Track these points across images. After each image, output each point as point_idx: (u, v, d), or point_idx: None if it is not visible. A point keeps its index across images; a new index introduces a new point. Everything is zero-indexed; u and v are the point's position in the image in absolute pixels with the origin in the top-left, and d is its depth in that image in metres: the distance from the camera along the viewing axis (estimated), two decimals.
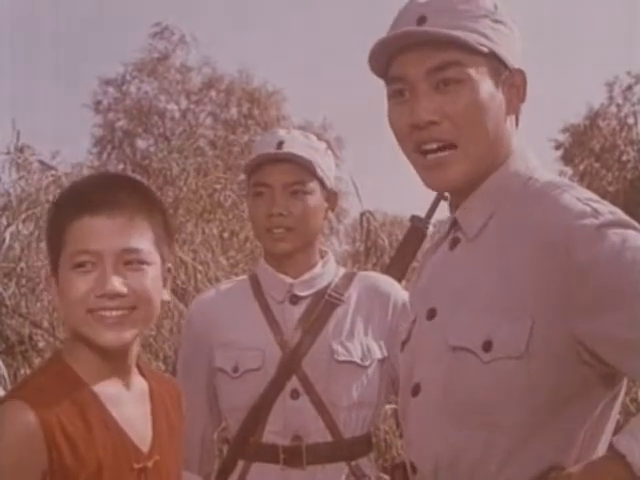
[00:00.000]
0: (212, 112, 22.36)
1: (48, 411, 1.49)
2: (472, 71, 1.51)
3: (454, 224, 1.62)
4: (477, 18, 1.54)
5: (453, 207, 1.63)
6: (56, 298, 1.58)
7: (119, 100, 22.23)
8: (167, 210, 1.67)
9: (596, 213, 1.45)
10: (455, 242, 1.61)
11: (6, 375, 3.68)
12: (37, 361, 4.07)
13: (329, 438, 2.17)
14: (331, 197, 2.28)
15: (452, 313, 1.54)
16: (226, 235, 6.20)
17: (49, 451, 1.48)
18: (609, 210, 1.47)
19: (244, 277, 2.38)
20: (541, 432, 1.48)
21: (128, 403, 1.60)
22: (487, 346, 1.47)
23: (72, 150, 22.67)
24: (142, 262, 1.55)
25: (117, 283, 1.51)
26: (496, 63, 1.54)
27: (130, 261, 1.54)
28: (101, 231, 1.52)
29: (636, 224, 1.47)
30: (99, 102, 22.18)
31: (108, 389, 1.57)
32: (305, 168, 2.20)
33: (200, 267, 4.65)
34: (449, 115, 1.52)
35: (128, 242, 1.53)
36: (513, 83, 1.57)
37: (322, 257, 2.30)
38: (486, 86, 1.53)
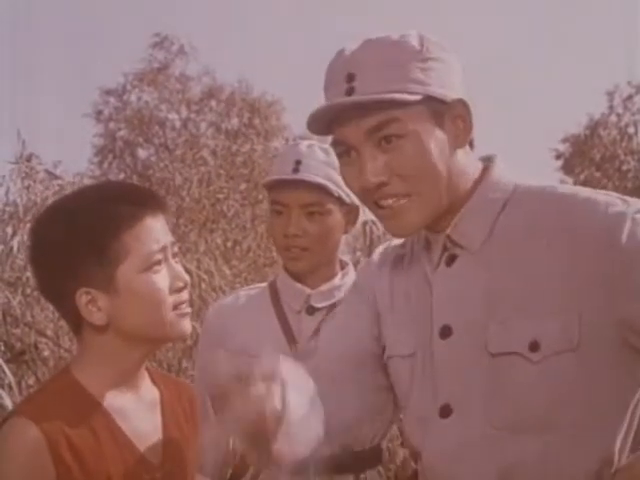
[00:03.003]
0: (213, 122, 22.39)
1: (53, 426, 1.49)
2: (410, 123, 1.50)
3: (445, 244, 1.60)
4: (405, 64, 1.51)
5: (435, 230, 1.61)
6: (98, 314, 1.55)
7: (120, 110, 22.28)
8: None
9: (624, 201, 1.48)
10: (452, 258, 1.60)
11: (13, 383, 3.69)
12: (42, 370, 4.09)
13: (337, 450, 2.12)
14: (352, 211, 2.27)
15: (479, 324, 1.52)
16: (229, 244, 6.23)
17: (56, 466, 1.48)
18: (632, 199, 1.50)
19: (264, 285, 2.39)
20: (596, 426, 1.48)
21: (138, 414, 1.60)
22: (534, 346, 1.46)
23: (73, 160, 22.69)
24: (177, 254, 1.64)
25: (186, 275, 1.61)
26: (434, 104, 1.52)
27: (175, 254, 1.63)
28: (160, 228, 1.59)
29: None
30: (100, 112, 22.23)
31: (117, 401, 1.58)
32: (322, 188, 2.20)
33: (205, 276, 4.67)
34: (397, 172, 1.51)
35: (171, 235, 1.63)
36: (456, 115, 1.55)
37: (342, 268, 2.30)
38: (428, 132, 1.52)
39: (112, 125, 22.42)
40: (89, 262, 1.54)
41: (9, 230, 4.59)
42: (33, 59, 29.68)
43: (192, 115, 22.46)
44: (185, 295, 1.59)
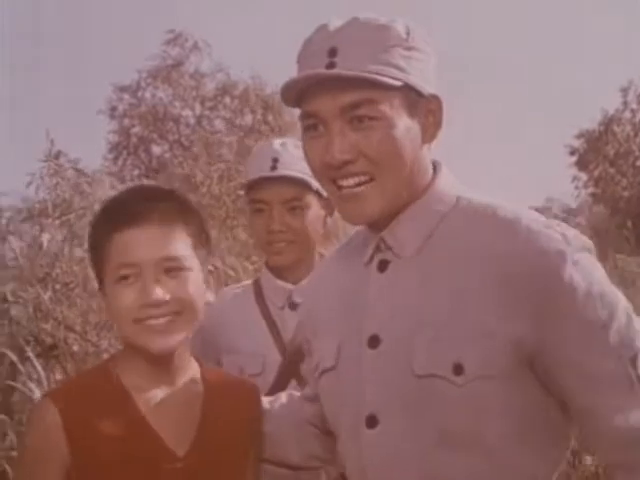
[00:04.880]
0: (227, 118, 22.41)
1: (72, 409, 1.56)
2: (386, 107, 1.49)
3: (379, 246, 1.58)
4: (389, 48, 1.50)
5: (372, 228, 1.59)
6: (107, 310, 1.64)
7: (134, 106, 22.30)
8: (202, 215, 1.72)
9: (564, 237, 1.46)
10: (384, 264, 1.57)
11: (43, 377, 3.76)
12: (70, 364, 4.14)
13: None
14: (329, 204, 2.30)
15: (406, 339, 1.50)
16: (252, 241, 6.28)
17: (70, 447, 1.55)
18: (573, 234, 1.48)
19: (249, 282, 2.45)
20: (523, 451, 1.47)
21: (169, 406, 1.63)
22: (458, 369, 1.44)
23: (88, 156, 22.81)
24: (182, 268, 1.59)
25: (159, 292, 1.56)
26: (410, 93, 1.52)
27: (170, 268, 1.58)
28: (139, 242, 1.57)
29: (590, 245, 1.49)
30: (114, 108, 22.26)
31: (148, 393, 1.62)
32: (301, 183, 2.25)
33: (231, 272, 4.71)
34: (364, 152, 1.49)
35: (165, 250, 1.58)
36: (429, 110, 1.55)
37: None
38: (401, 120, 1.50)
39: (126, 122, 22.44)
40: (93, 262, 1.65)
41: (38, 227, 4.66)
42: (48, 56, 29.79)
43: (206, 112, 22.47)
44: (153, 311, 1.56)
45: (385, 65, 1.48)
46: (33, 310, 4.12)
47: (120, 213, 1.60)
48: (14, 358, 3.91)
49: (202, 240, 1.66)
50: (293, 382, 2.21)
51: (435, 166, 1.60)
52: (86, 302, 4.45)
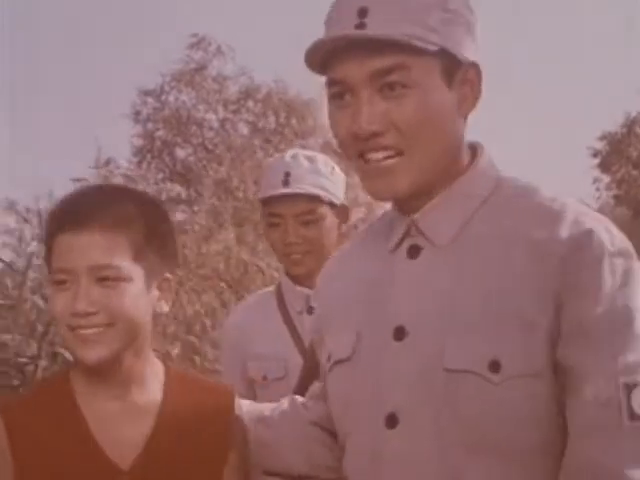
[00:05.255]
0: (250, 121, 22.51)
1: (19, 421, 1.56)
2: (420, 74, 1.37)
3: (409, 230, 1.48)
4: (426, 9, 1.38)
5: (402, 210, 1.48)
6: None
7: (158, 110, 22.42)
8: (160, 222, 1.63)
9: (608, 232, 1.37)
10: (416, 250, 1.46)
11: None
12: None
13: None
14: (342, 211, 2.41)
15: (437, 332, 1.39)
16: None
17: (13, 458, 1.54)
18: (620, 237, 1.39)
19: (271, 288, 2.54)
20: (551, 455, 1.36)
21: (118, 419, 1.60)
22: (494, 366, 1.34)
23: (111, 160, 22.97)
24: (117, 278, 1.53)
25: (83, 302, 1.51)
26: (447, 60, 1.40)
27: (105, 277, 1.53)
28: (74, 248, 1.52)
29: (631, 251, 1.39)
30: (138, 112, 22.38)
31: (97, 404, 1.59)
32: (313, 197, 2.34)
33: (276, 274, 4.80)
34: (395, 123, 1.38)
35: (101, 259, 1.52)
36: (467, 79, 1.43)
37: None
38: (437, 88, 1.39)
39: (150, 125, 22.54)
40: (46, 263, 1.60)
41: None
42: (71, 60, 30.03)
43: (229, 115, 22.57)
44: (81, 321, 1.51)
45: (421, 27, 1.36)
46: None
47: (63, 216, 1.56)
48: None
49: (152, 249, 1.58)
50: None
51: (476, 147, 1.50)
52: None
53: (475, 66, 1.44)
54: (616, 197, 20.73)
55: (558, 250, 1.34)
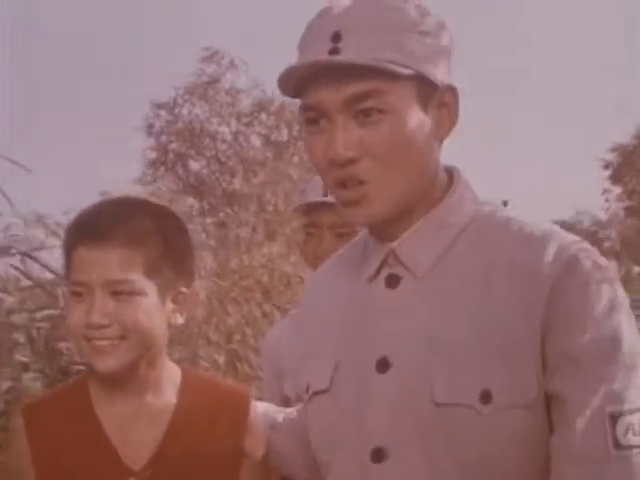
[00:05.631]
0: (263, 134, 22.56)
1: (38, 421, 1.63)
2: (396, 99, 1.34)
3: (387, 259, 1.43)
4: (400, 32, 1.34)
5: (379, 237, 1.44)
6: None
7: (171, 123, 22.57)
8: (178, 237, 1.65)
9: (594, 264, 1.33)
10: (395, 279, 1.42)
11: None
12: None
13: None
14: None
15: (422, 363, 1.34)
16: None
17: (33, 458, 1.61)
18: (604, 262, 1.36)
19: None
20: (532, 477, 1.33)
21: (132, 422, 1.63)
22: (485, 397, 1.30)
23: (124, 173, 23.15)
24: (131, 292, 1.56)
25: (97, 315, 1.54)
26: (423, 84, 1.36)
27: (119, 292, 1.55)
28: (90, 262, 1.55)
29: (615, 277, 1.35)
30: (151, 125, 22.51)
31: (113, 408, 1.64)
32: None
33: None
34: (370, 150, 1.34)
35: (114, 273, 1.55)
36: (443, 103, 1.40)
37: None
38: (413, 113, 1.35)
39: (164, 138, 22.64)
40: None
41: None
42: (83, 75, 30.24)
43: (242, 128, 22.70)
44: (96, 333, 1.55)
45: (396, 51, 1.33)
46: None
47: (81, 229, 1.59)
48: None
49: (168, 264, 1.60)
50: None
51: (452, 172, 1.46)
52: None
53: (452, 89, 1.40)
54: (627, 209, 20.86)
55: (542, 277, 1.31)
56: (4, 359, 4.40)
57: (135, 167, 21.92)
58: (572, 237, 1.36)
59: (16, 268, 4.98)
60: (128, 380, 1.62)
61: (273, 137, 22.34)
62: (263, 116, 22.40)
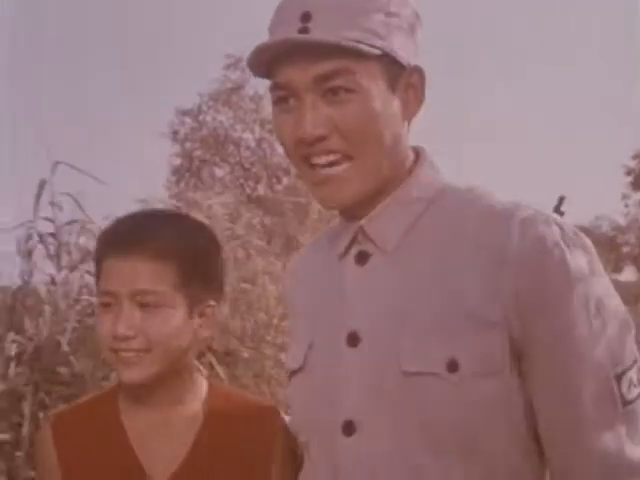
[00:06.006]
0: None
1: (65, 431, 1.63)
2: (364, 78, 1.34)
3: (356, 237, 1.43)
4: (369, 13, 1.35)
5: (349, 217, 1.45)
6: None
7: (196, 130, 22.79)
8: (208, 250, 1.65)
9: (562, 233, 1.33)
10: (364, 256, 1.42)
11: (224, 377, 4.25)
12: (240, 369, 4.62)
13: None
14: None
15: (390, 335, 1.35)
16: None
17: (60, 465, 1.60)
18: (573, 230, 1.35)
19: None
20: (520, 461, 1.34)
21: (156, 434, 1.62)
22: (452, 366, 1.30)
23: (149, 179, 23.23)
24: (158, 305, 1.55)
25: (123, 326, 1.53)
26: (391, 64, 1.36)
27: (146, 303, 1.54)
28: (119, 273, 1.55)
29: (586, 241, 1.36)
30: (176, 132, 22.73)
31: (137, 420, 1.62)
32: None
33: None
34: (339, 127, 1.35)
35: (143, 284, 1.54)
36: (410, 83, 1.40)
37: None
38: (380, 92, 1.36)
39: (188, 145, 22.82)
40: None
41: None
42: (111, 84, 30.51)
43: (266, 134, 22.89)
44: (121, 344, 1.54)
45: (363, 32, 1.34)
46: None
47: (112, 240, 1.59)
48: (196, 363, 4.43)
49: (197, 277, 1.59)
50: None
51: (418, 151, 1.47)
52: (253, 317, 4.94)
53: (418, 70, 1.40)
54: None
55: (510, 251, 1.31)
56: None
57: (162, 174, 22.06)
58: (539, 212, 1.35)
59: None
60: (155, 392, 1.60)
61: None
62: None
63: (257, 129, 22.88)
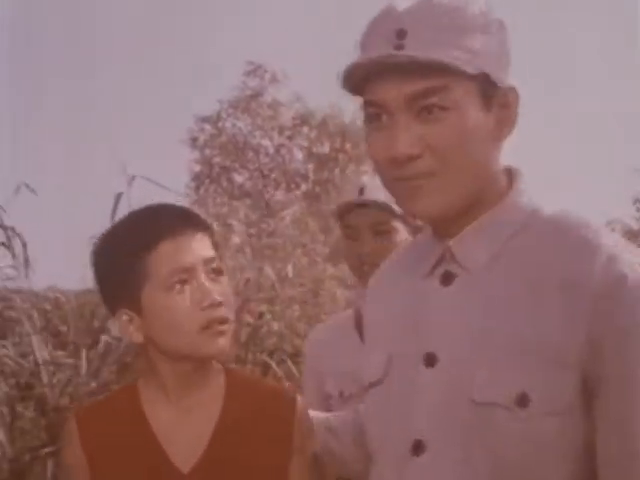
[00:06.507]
0: (305, 147, 22.78)
1: (89, 424, 1.65)
2: (459, 96, 1.33)
3: (444, 257, 1.43)
4: (465, 31, 1.34)
5: (439, 234, 1.44)
6: (135, 334, 1.62)
7: (215, 136, 22.83)
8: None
9: (636, 280, 1.29)
10: (449, 277, 1.42)
11: (297, 373, 4.39)
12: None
13: None
14: (417, 230, 2.43)
15: (466, 361, 1.35)
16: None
17: (88, 462, 1.63)
18: None
19: (351, 310, 2.63)
20: None
21: (178, 424, 1.63)
22: (522, 400, 1.29)
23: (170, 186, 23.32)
24: (221, 271, 1.61)
25: (216, 292, 1.57)
26: (486, 83, 1.35)
27: (214, 271, 1.59)
28: (188, 247, 1.58)
29: None
30: (196, 139, 22.77)
31: (159, 410, 1.64)
32: (384, 209, 2.37)
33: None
34: (432, 146, 1.34)
35: (209, 252, 1.60)
36: (505, 103, 1.38)
37: None
38: (474, 112, 1.34)
39: (208, 151, 22.86)
40: (120, 286, 1.60)
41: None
42: (133, 90, 30.68)
43: (285, 141, 22.84)
44: (217, 313, 1.56)
45: (460, 50, 1.32)
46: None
47: (159, 225, 1.60)
48: (270, 361, 4.59)
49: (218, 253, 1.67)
50: None
51: (512, 172, 1.45)
52: (319, 321, 5.14)
53: (513, 90, 1.40)
54: None
55: (590, 289, 1.29)
56: None
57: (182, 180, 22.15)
58: (625, 249, 1.34)
59: None
60: (192, 377, 1.63)
61: (315, 150, 22.63)
62: (305, 129, 22.72)
63: (275, 136, 22.99)
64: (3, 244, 4.35)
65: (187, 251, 1.57)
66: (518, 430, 1.29)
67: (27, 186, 4.45)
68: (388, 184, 1.40)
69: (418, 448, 1.36)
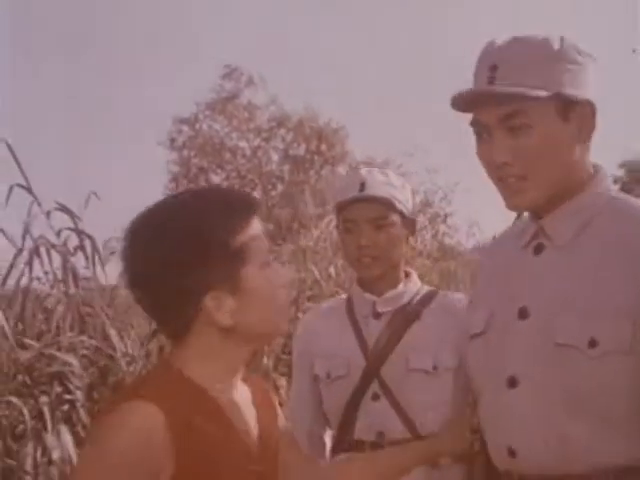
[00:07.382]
0: (282, 149, 22.88)
1: (173, 408, 1.49)
2: (538, 117, 1.67)
3: (537, 232, 1.77)
4: (545, 63, 1.67)
5: (534, 216, 1.78)
6: (225, 316, 1.55)
7: (193, 138, 22.81)
8: None
9: None
10: (540, 248, 1.76)
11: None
12: None
13: (408, 435, 2.36)
14: (410, 223, 2.52)
15: (552, 313, 1.68)
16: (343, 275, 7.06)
17: (175, 446, 1.48)
18: None
19: (343, 297, 2.67)
20: (637, 423, 1.63)
21: (241, 409, 1.64)
22: (592, 343, 1.61)
23: (148, 186, 23.34)
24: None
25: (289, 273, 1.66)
26: (563, 100, 1.68)
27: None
28: (260, 225, 1.63)
29: None
30: (174, 140, 22.79)
31: (225, 395, 1.60)
32: (385, 204, 2.44)
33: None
34: (520, 156, 1.68)
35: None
36: (582, 113, 1.70)
37: (407, 276, 2.53)
38: (553, 126, 1.68)
39: (185, 152, 22.86)
40: (217, 265, 1.53)
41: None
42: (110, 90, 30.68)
43: (262, 143, 22.83)
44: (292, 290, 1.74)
45: (538, 78, 1.66)
46: None
47: (247, 202, 1.62)
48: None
49: None
50: (375, 382, 2.41)
51: (597, 167, 1.78)
52: None
53: (589, 103, 1.71)
54: None
55: None
56: None
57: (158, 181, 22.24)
58: None
59: None
60: (240, 365, 1.65)
61: (291, 152, 22.75)
62: (281, 131, 22.81)
63: (252, 137, 22.95)
64: (79, 247, 4.61)
65: (261, 229, 1.62)
66: (588, 367, 1.62)
67: (95, 194, 4.76)
68: (495, 182, 1.76)
69: (512, 382, 1.71)
